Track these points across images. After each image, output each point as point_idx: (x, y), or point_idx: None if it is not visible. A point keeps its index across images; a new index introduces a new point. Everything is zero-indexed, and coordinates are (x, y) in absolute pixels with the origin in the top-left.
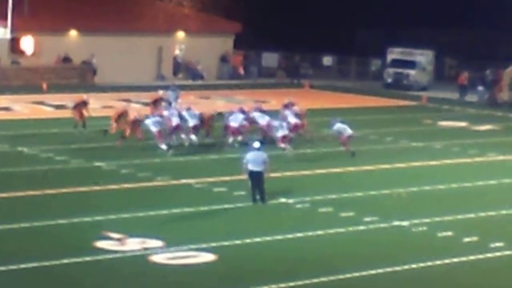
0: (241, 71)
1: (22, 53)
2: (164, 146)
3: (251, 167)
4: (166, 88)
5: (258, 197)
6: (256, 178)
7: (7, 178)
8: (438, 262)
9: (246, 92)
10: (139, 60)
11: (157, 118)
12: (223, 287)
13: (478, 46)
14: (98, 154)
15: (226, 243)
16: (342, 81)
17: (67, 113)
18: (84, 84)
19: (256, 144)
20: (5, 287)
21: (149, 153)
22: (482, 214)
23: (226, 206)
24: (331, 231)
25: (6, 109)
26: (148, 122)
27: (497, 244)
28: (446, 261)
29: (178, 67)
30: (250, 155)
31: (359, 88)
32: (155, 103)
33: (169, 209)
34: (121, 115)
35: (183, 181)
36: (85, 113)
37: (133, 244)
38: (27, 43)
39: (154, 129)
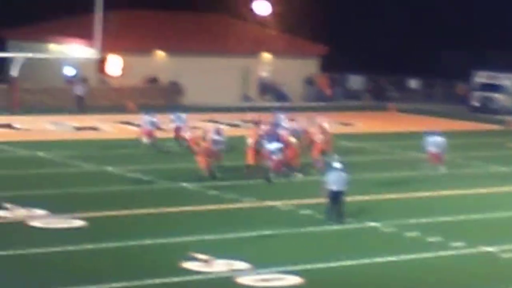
0: (327, 93)
1: (109, 73)
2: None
3: (331, 187)
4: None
5: (334, 217)
6: (336, 198)
7: (94, 197)
8: None
9: (331, 114)
10: (225, 81)
11: (278, 145)
12: None
13: None
14: (184, 175)
15: (312, 266)
16: (427, 104)
17: (155, 133)
18: (171, 105)
19: (337, 164)
20: None
21: (234, 175)
22: None
23: (311, 228)
24: (418, 255)
25: (94, 128)
26: (270, 147)
27: None
28: None
29: (264, 88)
30: (331, 175)
31: (445, 111)
32: (257, 124)
33: (255, 231)
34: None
35: (269, 203)
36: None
37: (220, 266)
38: (115, 63)
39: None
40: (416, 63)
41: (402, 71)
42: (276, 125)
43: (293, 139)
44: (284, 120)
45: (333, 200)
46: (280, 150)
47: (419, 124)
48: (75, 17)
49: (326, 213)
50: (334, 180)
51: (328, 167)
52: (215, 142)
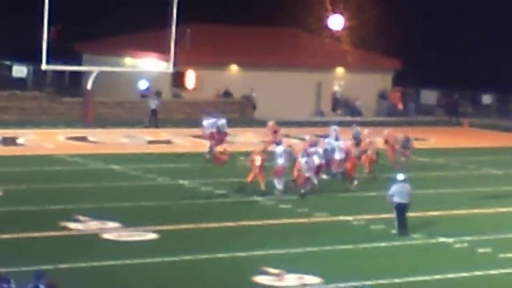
0: (400, 107)
1: (183, 87)
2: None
3: (397, 199)
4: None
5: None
6: (402, 210)
7: (167, 210)
8: None
9: (404, 129)
10: (298, 95)
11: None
12: None
13: None
14: (257, 188)
15: (384, 281)
16: (501, 119)
17: (230, 147)
18: (244, 119)
19: (401, 176)
20: None
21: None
22: None
23: (383, 243)
24: (490, 272)
25: (167, 142)
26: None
27: None
28: None
29: (337, 103)
30: (395, 187)
31: None
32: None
33: (327, 245)
34: None
35: (341, 217)
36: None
37: (291, 280)
38: (189, 77)
39: None
40: (490, 78)
41: (475, 86)
42: (355, 138)
43: (354, 150)
44: (361, 133)
45: (399, 212)
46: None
47: (492, 139)
48: (150, 31)
49: (397, 226)
50: (399, 192)
51: (393, 180)
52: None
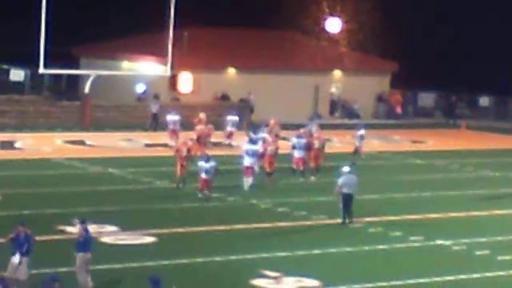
0: (398, 110)
1: (176, 90)
2: None
3: (345, 190)
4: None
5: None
6: (349, 200)
7: (165, 214)
8: None
9: (402, 131)
10: (296, 98)
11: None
12: None
13: None
14: (255, 192)
15: (382, 284)
16: (499, 121)
17: (229, 151)
18: (242, 122)
19: (346, 168)
20: None
21: (306, 192)
22: None
23: (382, 246)
24: (488, 274)
25: (165, 145)
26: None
27: None
28: None
29: (335, 105)
30: (343, 179)
31: None
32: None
33: (325, 248)
34: None
35: (338, 220)
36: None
37: (290, 283)
38: (186, 80)
39: None
40: (488, 81)
41: (473, 88)
42: (358, 138)
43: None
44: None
45: (346, 202)
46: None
47: (490, 142)
48: (147, 34)
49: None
50: (346, 183)
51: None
52: None
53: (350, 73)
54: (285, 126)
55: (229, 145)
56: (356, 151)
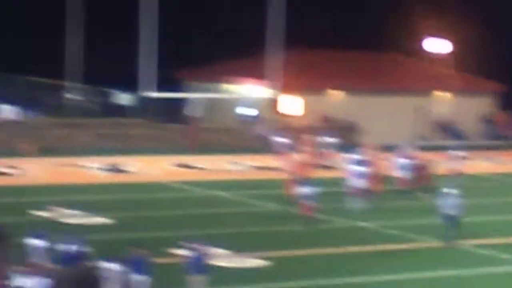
0: (505, 131)
1: (285, 112)
2: None
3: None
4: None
5: None
6: (452, 222)
7: (276, 237)
8: None
9: (509, 153)
10: (400, 119)
11: None
12: None
13: None
14: (361, 214)
15: None
16: None
17: (332, 173)
18: (348, 144)
19: (449, 190)
20: None
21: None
22: None
23: (492, 269)
24: None
25: (273, 168)
26: None
27: None
28: None
29: (439, 127)
30: (445, 200)
31: None
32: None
33: (434, 271)
34: None
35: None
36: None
37: None
38: (291, 102)
39: None
40: None
41: None
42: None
43: None
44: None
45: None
46: None
47: None
48: (251, 57)
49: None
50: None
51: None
52: None
53: (453, 93)
54: (389, 148)
55: (332, 167)
56: (459, 173)
